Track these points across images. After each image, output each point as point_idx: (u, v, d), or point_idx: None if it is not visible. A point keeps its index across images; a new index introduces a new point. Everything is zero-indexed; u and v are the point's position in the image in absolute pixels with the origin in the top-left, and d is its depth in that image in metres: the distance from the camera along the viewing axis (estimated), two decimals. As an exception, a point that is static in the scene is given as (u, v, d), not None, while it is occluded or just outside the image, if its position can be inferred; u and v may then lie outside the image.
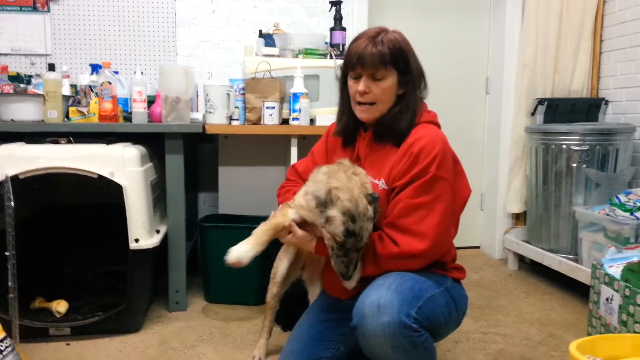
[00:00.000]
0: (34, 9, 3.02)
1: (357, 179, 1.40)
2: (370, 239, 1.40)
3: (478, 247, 3.75)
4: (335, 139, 1.72)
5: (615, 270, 2.01)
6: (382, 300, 1.31)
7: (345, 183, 1.36)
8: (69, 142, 2.20)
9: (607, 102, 3.22)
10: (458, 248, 1.64)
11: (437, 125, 1.56)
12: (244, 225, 2.58)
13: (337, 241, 1.34)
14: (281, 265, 1.87)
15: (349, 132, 1.64)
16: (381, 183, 1.51)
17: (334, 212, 1.33)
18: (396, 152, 1.49)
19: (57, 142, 2.18)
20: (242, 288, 2.57)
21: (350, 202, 1.32)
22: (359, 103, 1.52)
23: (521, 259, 3.34)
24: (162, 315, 2.45)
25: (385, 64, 1.45)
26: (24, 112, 2.37)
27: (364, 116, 1.53)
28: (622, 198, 2.50)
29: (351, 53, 1.50)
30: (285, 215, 1.54)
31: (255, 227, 2.52)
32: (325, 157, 1.75)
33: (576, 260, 2.73)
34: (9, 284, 1.85)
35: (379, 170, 1.53)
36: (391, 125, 1.51)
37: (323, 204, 1.34)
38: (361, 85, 1.48)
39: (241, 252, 1.46)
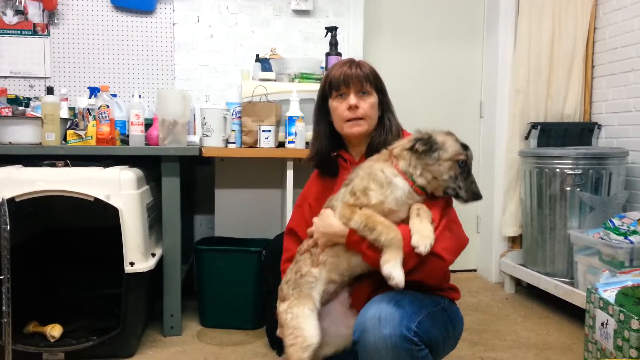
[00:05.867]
0: (34, 32, 3.06)
1: None
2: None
3: (475, 270, 3.74)
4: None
5: (610, 294, 2.01)
6: (382, 313, 1.31)
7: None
8: (66, 165, 2.21)
9: (600, 127, 3.26)
10: (454, 271, 1.64)
11: None
12: (240, 248, 2.60)
13: (459, 160, 1.38)
14: (306, 322, 1.40)
15: (324, 156, 1.63)
16: None
17: (441, 138, 1.40)
18: None
19: (54, 165, 2.19)
20: (237, 312, 2.55)
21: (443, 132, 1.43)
22: (348, 120, 1.55)
23: (518, 282, 3.34)
24: (157, 339, 2.43)
25: (370, 82, 1.56)
26: (22, 134, 2.39)
27: (355, 130, 1.56)
28: (616, 222, 2.52)
29: (335, 75, 1.56)
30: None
31: (251, 250, 2.55)
32: (316, 188, 1.70)
33: (572, 284, 2.73)
34: (3, 308, 1.84)
35: None
36: (384, 143, 1.54)
37: (426, 141, 1.38)
38: (352, 99, 1.54)
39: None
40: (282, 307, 1.47)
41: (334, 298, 1.51)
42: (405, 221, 1.38)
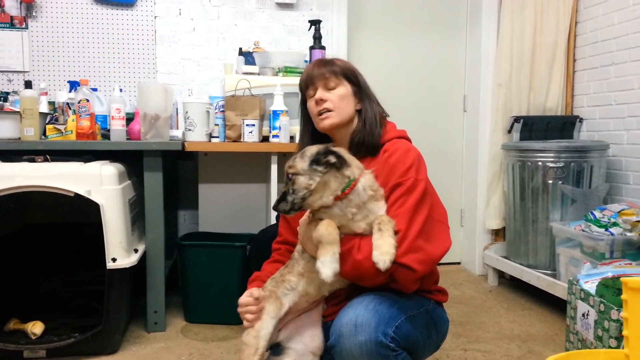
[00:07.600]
0: (12, 25, 2.99)
1: None
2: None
3: (459, 263, 3.78)
4: None
5: (591, 285, 2.04)
6: (359, 319, 1.30)
7: None
8: (46, 160, 2.18)
9: (581, 120, 3.29)
10: (439, 264, 1.64)
11: (408, 139, 1.61)
12: (224, 244, 2.58)
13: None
14: (264, 326, 1.42)
15: None
16: None
17: None
18: (375, 162, 1.51)
19: (33, 161, 2.15)
20: (222, 307, 2.53)
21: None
22: (319, 114, 1.56)
23: (501, 274, 3.37)
24: (140, 336, 2.41)
25: (335, 75, 1.56)
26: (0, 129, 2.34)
27: (325, 123, 1.56)
28: (597, 214, 2.55)
29: (302, 78, 1.61)
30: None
31: (235, 245, 2.53)
32: None
33: (554, 276, 2.76)
34: (-19, 306, 1.81)
35: None
36: (364, 139, 1.54)
37: None
38: (317, 94, 1.55)
39: None
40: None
41: (312, 308, 1.52)
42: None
